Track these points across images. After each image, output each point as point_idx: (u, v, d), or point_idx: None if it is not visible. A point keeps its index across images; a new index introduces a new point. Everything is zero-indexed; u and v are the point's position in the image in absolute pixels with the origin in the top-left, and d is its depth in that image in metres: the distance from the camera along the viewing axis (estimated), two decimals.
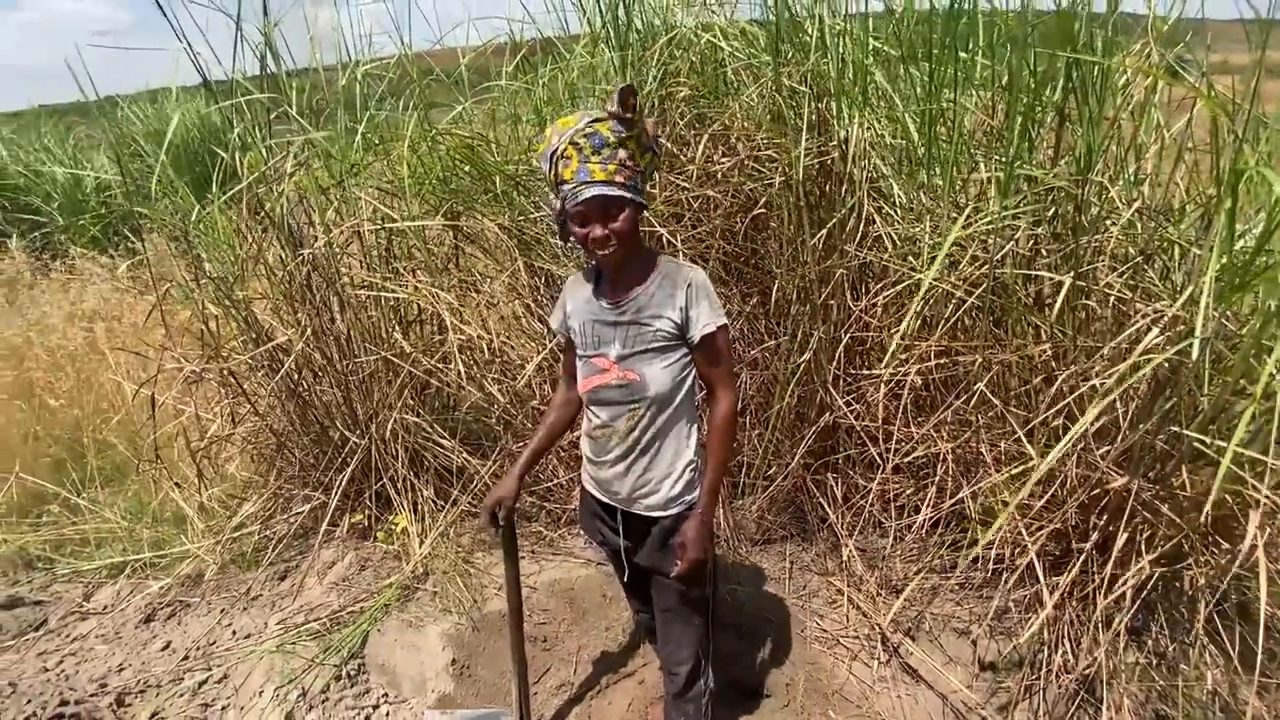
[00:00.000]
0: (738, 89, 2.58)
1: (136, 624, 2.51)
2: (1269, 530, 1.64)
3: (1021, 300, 2.16)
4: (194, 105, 6.96)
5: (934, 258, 2.11)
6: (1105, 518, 1.94)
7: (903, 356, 2.17)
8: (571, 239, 1.50)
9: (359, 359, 2.63)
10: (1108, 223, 2.00)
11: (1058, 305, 1.90)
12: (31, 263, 5.86)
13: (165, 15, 2.29)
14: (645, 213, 1.63)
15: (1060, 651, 1.95)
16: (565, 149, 1.38)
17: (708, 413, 1.57)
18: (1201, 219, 1.88)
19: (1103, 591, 1.85)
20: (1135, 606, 1.85)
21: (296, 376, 2.69)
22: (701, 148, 2.45)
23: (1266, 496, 1.62)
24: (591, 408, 1.59)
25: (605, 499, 1.65)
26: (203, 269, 2.69)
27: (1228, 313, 1.70)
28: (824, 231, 2.25)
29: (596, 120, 1.38)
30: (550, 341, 2.60)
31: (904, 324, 1.86)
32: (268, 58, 2.49)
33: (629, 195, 1.41)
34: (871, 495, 2.35)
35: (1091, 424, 1.68)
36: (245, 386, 2.82)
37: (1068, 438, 1.61)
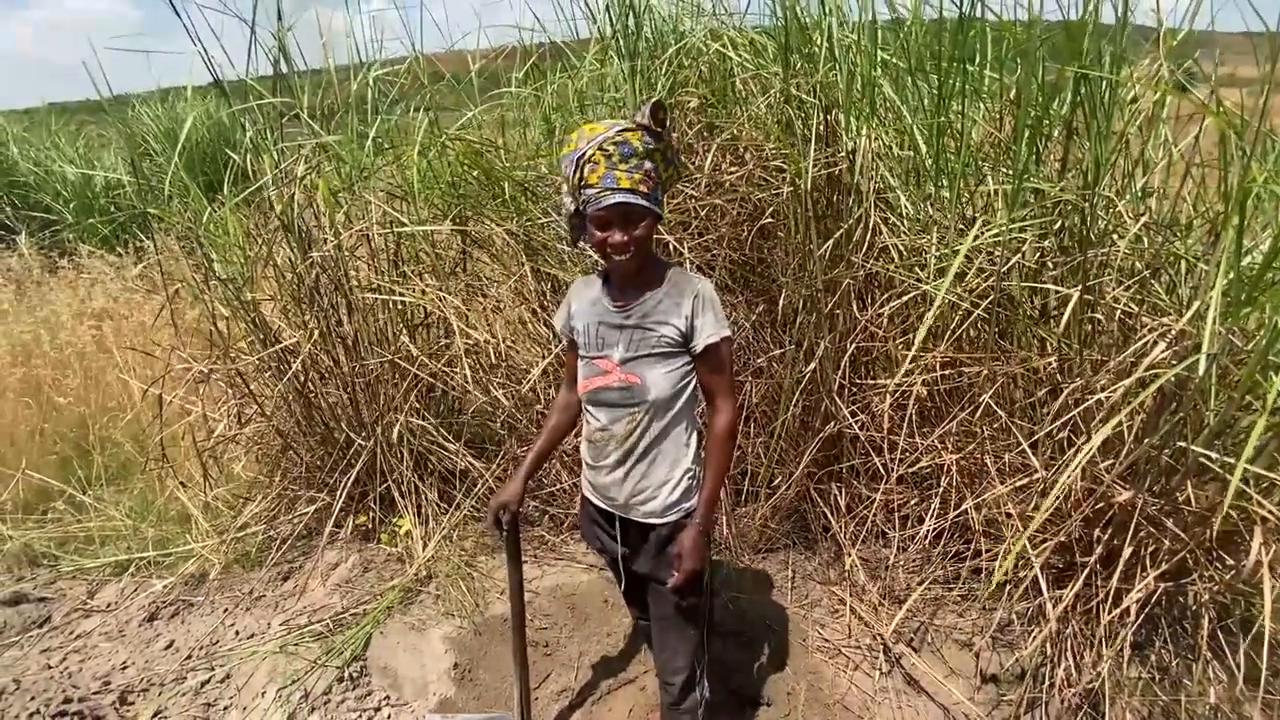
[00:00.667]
0: (746, 99, 2.60)
1: (140, 622, 2.52)
2: (1274, 547, 1.64)
3: (1027, 313, 2.17)
4: (205, 106, 7.00)
5: (941, 269, 2.13)
6: (1109, 531, 1.94)
7: (908, 367, 2.18)
8: (582, 243, 1.52)
9: (366, 362, 2.64)
10: (1114, 236, 2.01)
11: (1065, 318, 1.90)
12: (41, 260, 5.89)
13: (180, 17, 2.32)
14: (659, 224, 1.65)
15: (1063, 665, 1.95)
16: (593, 154, 1.40)
17: (707, 423, 1.58)
18: (1209, 234, 1.88)
19: (1107, 605, 1.85)
20: (1139, 621, 1.85)
21: (303, 378, 2.71)
22: (710, 157, 2.46)
23: (1271, 513, 1.62)
24: (590, 409, 1.60)
25: (603, 505, 1.66)
26: (212, 270, 2.71)
27: (1234, 328, 1.70)
28: (831, 242, 2.26)
29: (626, 130, 1.41)
30: (556, 346, 2.61)
31: (918, 337, 1.86)
32: (280, 61, 2.51)
33: (650, 205, 1.43)
34: (875, 505, 2.35)
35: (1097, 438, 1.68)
36: (252, 387, 2.84)
37: (1079, 457, 1.61)
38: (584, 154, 1.41)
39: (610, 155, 1.39)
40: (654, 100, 1.41)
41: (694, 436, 1.58)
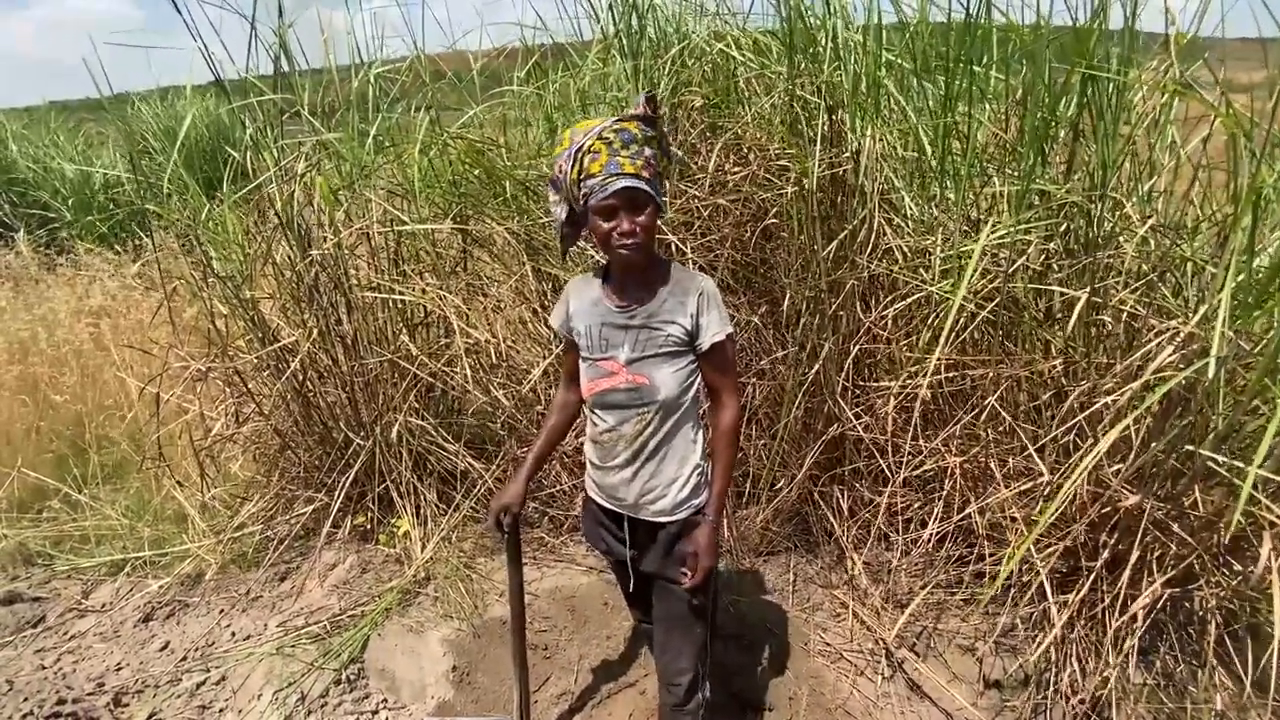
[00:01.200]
0: (749, 99, 2.59)
1: (135, 623, 2.49)
2: None
3: (1032, 315, 2.16)
4: (205, 104, 6.98)
5: (945, 271, 2.11)
6: (1115, 536, 1.93)
7: (912, 369, 2.16)
8: (580, 244, 1.50)
9: (365, 361, 2.63)
10: (1120, 239, 2.00)
11: (1072, 321, 1.89)
12: (38, 258, 5.86)
13: (181, 14, 2.31)
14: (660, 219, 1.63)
15: (1068, 671, 1.93)
16: (593, 144, 1.39)
17: (711, 420, 1.57)
18: (1217, 236, 1.87)
19: (1114, 611, 1.83)
20: (1145, 626, 1.83)
21: (302, 377, 2.69)
22: (714, 157, 2.45)
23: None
24: (597, 411, 1.58)
25: (611, 505, 1.64)
26: (211, 267, 2.69)
27: (1241, 331, 1.69)
28: (835, 243, 2.24)
29: (623, 120, 1.40)
30: (556, 346, 2.60)
31: (926, 341, 1.84)
32: (281, 58, 2.50)
33: (654, 192, 1.42)
34: (878, 508, 2.33)
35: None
36: (250, 386, 2.81)
37: (1086, 462, 1.59)
38: (582, 146, 1.39)
39: (611, 143, 1.38)
40: (647, 91, 1.41)
41: (700, 433, 1.57)
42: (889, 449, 2.26)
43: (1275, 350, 1.58)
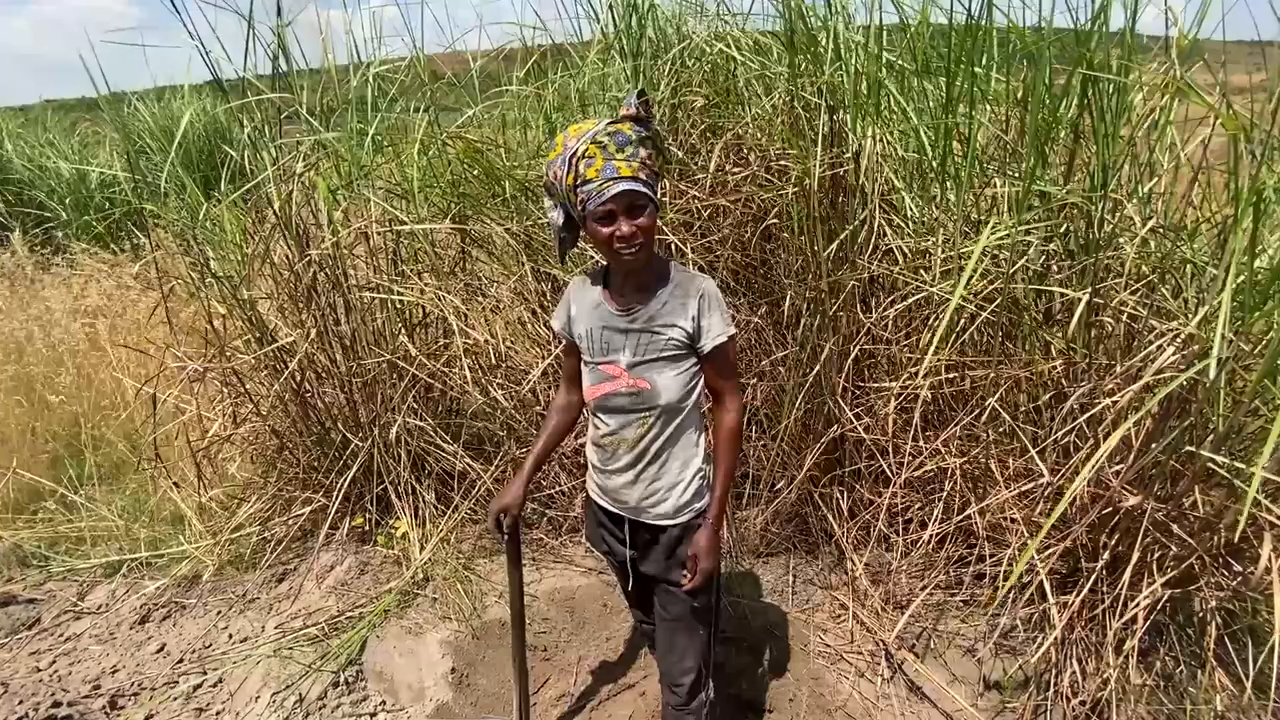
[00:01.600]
0: (750, 99, 2.58)
1: (131, 625, 2.48)
2: None
3: (1032, 316, 2.16)
4: (202, 103, 6.95)
5: (946, 271, 2.11)
6: (1115, 537, 1.93)
7: (912, 370, 2.16)
8: (579, 245, 1.49)
9: (363, 361, 2.61)
10: (1120, 240, 2.00)
11: (1073, 322, 1.89)
12: (34, 257, 5.83)
13: (178, 13, 2.30)
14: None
15: (1068, 672, 1.93)
16: (587, 149, 1.37)
17: (712, 421, 1.56)
18: (1217, 238, 1.87)
19: (1114, 612, 1.83)
20: (1145, 627, 1.83)
21: (300, 378, 2.68)
22: (714, 158, 2.44)
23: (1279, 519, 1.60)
24: (599, 415, 1.57)
25: (613, 508, 1.63)
26: (208, 267, 2.68)
27: (1241, 333, 1.69)
28: (835, 243, 2.24)
29: (616, 122, 1.39)
30: (556, 347, 2.59)
31: (926, 342, 1.84)
32: (279, 58, 2.49)
33: (652, 194, 1.41)
34: (879, 509, 2.33)
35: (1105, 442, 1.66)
36: (248, 386, 2.80)
37: (1090, 464, 1.59)
38: (577, 151, 1.38)
39: (605, 146, 1.37)
40: (637, 90, 1.40)
41: (702, 436, 1.57)
42: (889, 450, 2.26)
43: (1275, 352, 1.58)
